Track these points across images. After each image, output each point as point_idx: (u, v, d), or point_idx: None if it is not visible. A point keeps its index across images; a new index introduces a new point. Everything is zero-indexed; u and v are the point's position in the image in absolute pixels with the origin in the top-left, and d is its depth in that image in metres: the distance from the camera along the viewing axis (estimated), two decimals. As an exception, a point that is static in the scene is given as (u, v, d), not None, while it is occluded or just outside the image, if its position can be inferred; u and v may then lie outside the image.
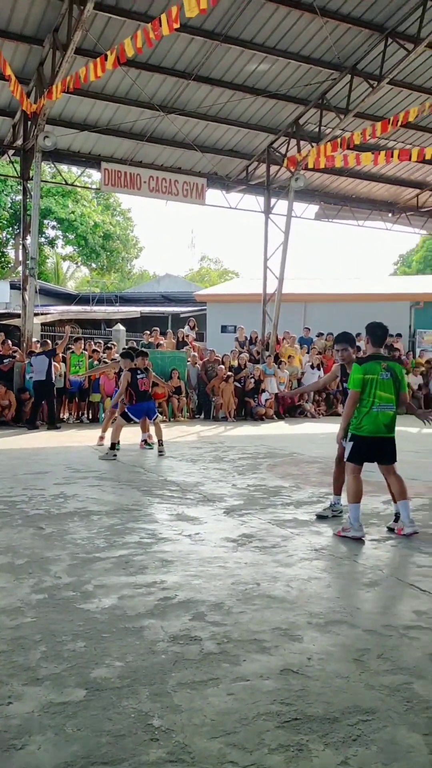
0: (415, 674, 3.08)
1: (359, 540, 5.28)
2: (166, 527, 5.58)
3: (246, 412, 15.71)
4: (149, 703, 2.77)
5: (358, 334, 10.59)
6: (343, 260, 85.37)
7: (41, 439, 11.41)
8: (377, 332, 5.54)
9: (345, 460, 5.60)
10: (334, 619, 3.72)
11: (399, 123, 12.71)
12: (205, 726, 2.61)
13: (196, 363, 15.78)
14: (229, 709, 2.74)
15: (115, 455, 8.99)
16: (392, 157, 13.70)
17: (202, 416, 15.40)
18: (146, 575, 4.35)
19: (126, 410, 9.29)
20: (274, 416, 15.61)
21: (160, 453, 9.35)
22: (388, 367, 5.42)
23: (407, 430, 13.94)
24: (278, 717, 2.69)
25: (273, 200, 17.50)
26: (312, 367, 16.71)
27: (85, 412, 14.15)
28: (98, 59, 9.07)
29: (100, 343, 16.22)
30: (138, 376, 9.29)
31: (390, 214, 21.25)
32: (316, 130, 15.72)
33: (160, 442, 9.49)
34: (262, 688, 2.92)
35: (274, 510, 6.32)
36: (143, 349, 10.46)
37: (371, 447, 5.47)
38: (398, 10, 13.08)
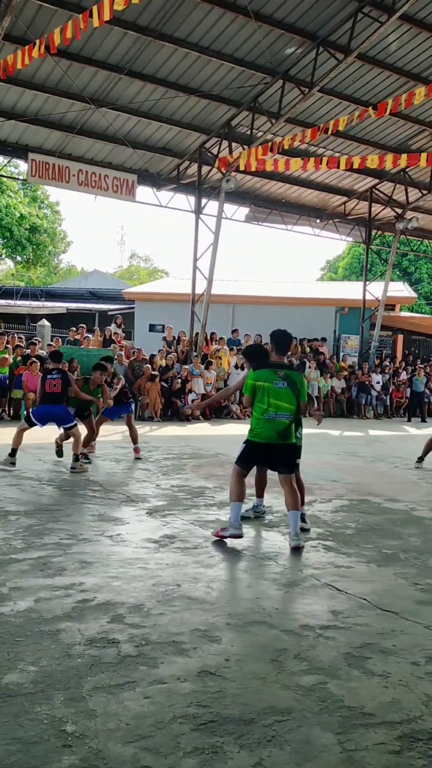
0: (330, 674, 3.13)
1: (238, 536, 5.23)
2: (86, 528, 5.48)
3: (172, 412, 15.67)
4: (63, 708, 2.70)
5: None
6: (272, 263, 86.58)
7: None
8: (280, 340, 5.53)
9: (235, 461, 5.51)
10: (252, 620, 3.74)
11: (329, 131, 12.95)
12: (119, 731, 2.57)
13: (122, 362, 15.61)
14: (145, 712, 2.70)
15: (13, 462, 7.89)
16: (321, 163, 13.96)
17: (128, 415, 15.23)
18: (64, 577, 4.25)
19: (31, 414, 8.37)
20: (200, 417, 15.63)
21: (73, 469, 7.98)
22: (285, 375, 5.35)
23: (329, 433, 14.28)
24: (194, 719, 2.67)
25: (204, 200, 17.53)
26: (236, 367, 16.83)
27: (6, 408, 13.76)
28: (26, 47, 8.82)
29: (22, 338, 15.80)
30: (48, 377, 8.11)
31: (318, 220, 21.68)
32: (248, 132, 15.85)
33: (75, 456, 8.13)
34: (179, 690, 2.90)
35: (197, 511, 6.32)
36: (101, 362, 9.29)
37: (263, 453, 5.44)
38: (330, 19, 13.34)
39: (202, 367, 16.43)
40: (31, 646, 3.24)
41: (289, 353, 5.60)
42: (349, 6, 13.01)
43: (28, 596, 3.88)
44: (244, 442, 5.50)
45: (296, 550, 5.10)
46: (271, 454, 5.44)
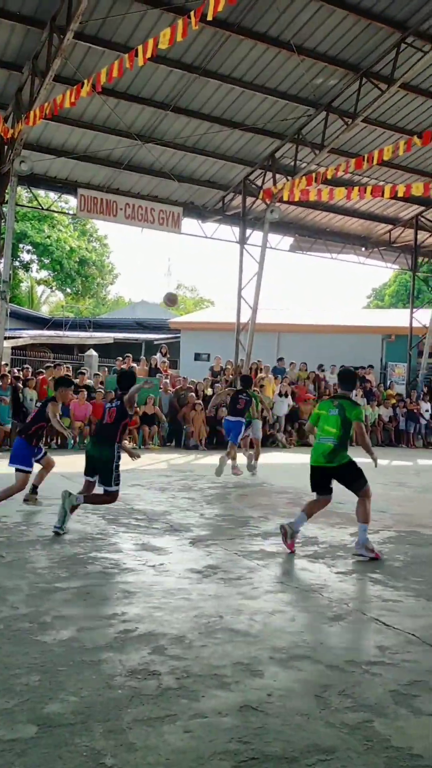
0: (376, 712, 3.03)
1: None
2: (130, 557, 5.48)
3: (218, 441, 15.64)
4: (103, 740, 2.67)
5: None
6: (317, 292, 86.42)
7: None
8: (343, 377, 6.35)
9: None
10: (296, 654, 3.66)
11: (373, 161, 12.98)
12: (159, 765, 2.53)
13: (168, 390, 15.72)
14: (185, 747, 2.66)
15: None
16: (365, 193, 13.96)
17: (173, 444, 15.29)
18: (107, 606, 4.25)
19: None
20: (246, 446, 15.55)
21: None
22: (338, 404, 5.92)
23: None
24: (235, 756, 2.61)
25: (248, 231, 17.68)
26: (280, 395, 16.74)
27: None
28: (75, 87, 9.14)
29: (69, 368, 16.08)
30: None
31: (363, 249, 21.59)
32: (292, 164, 15.99)
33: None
34: (220, 725, 2.85)
35: (241, 541, 6.26)
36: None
37: (313, 475, 5.98)
38: (373, 51, 13.45)
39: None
40: (72, 676, 3.24)
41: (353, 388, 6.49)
42: (391, 37, 13.11)
43: (71, 625, 3.89)
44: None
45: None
46: (319, 476, 5.93)
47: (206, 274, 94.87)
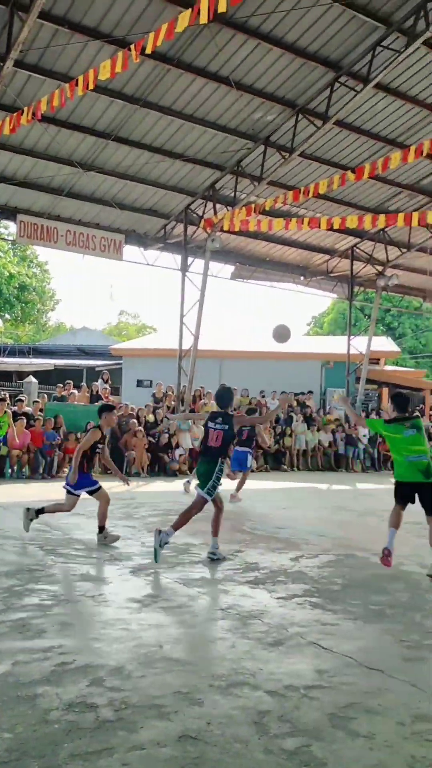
0: (314, 736, 3.06)
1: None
2: (68, 588, 5.39)
3: (159, 468, 15.58)
4: (38, 778, 2.61)
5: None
6: (260, 319, 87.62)
7: None
8: (397, 400, 6.74)
9: None
10: (236, 681, 3.67)
11: (310, 193, 13.36)
12: (96, 801, 2.48)
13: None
14: (123, 781, 2.62)
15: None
16: (303, 224, 14.34)
17: (114, 471, 15.09)
18: (44, 639, 4.16)
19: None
20: (188, 471, 15.54)
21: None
22: (411, 424, 6.43)
23: (317, 486, 14.22)
24: (173, 787, 2.59)
25: (190, 259, 17.88)
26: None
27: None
28: (14, 114, 9.14)
29: (5, 395, 15.77)
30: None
31: (302, 278, 22.11)
32: (232, 194, 16.31)
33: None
34: (158, 756, 2.83)
35: (182, 568, 6.24)
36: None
37: (402, 490, 6.55)
38: (309, 89, 13.93)
39: (189, 422, 16.43)
40: (6, 712, 3.16)
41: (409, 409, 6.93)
42: (326, 76, 13.62)
43: (6, 659, 3.79)
44: None
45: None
46: (410, 490, 6.49)
47: (149, 301, 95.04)
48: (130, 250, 17.86)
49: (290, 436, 18.35)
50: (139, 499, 11.11)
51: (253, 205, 14.15)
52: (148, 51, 7.74)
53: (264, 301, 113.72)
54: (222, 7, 6.66)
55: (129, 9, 11.27)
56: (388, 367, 28.06)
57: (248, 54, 12.81)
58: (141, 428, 15.20)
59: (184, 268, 17.86)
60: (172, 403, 17.64)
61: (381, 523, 9.71)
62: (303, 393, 21.35)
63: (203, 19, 9.47)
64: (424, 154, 11.80)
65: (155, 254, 18.40)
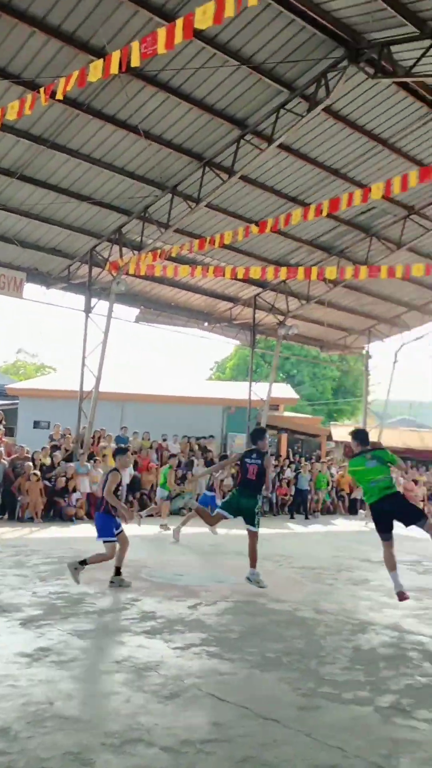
0: (208, 792, 2.99)
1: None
2: None
3: (55, 513, 15.07)
4: None
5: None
6: (164, 362, 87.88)
7: None
8: (359, 436, 7.35)
9: None
10: (130, 738, 3.55)
11: (215, 243, 13.71)
12: None
13: (2, 459, 14.99)
14: None
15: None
16: (208, 272, 14.67)
17: (6, 516, 14.47)
18: None
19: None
20: (85, 516, 15.13)
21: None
22: (372, 456, 7.03)
23: (218, 532, 14.21)
24: None
25: (94, 300, 17.75)
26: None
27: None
28: None
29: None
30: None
31: (206, 323, 22.45)
32: (139, 239, 16.44)
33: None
34: None
35: (76, 620, 6.00)
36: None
37: (380, 514, 7.00)
38: (215, 143, 14.41)
39: (88, 465, 16.08)
40: None
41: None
42: (232, 133, 14.16)
43: None
44: None
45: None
46: (388, 508, 6.97)
47: (49, 340, 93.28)
48: (32, 288, 17.55)
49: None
50: (32, 545, 10.68)
51: (159, 251, 14.33)
52: (59, 96, 7.78)
53: (170, 345, 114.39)
54: (135, 62, 6.81)
55: (39, 52, 11.32)
56: (287, 413, 28.79)
57: (158, 106, 13.13)
58: (36, 471, 14.71)
59: (88, 309, 17.71)
60: (71, 445, 17.22)
61: (278, 568, 9.83)
62: (205, 437, 21.46)
63: (114, 69, 9.70)
64: (323, 213, 12.46)
65: (58, 294, 18.16)
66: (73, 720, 3.73)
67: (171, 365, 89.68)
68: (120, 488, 7.68)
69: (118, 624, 5.89)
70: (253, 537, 7.86)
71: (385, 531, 6.94)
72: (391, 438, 28.88)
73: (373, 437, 26.10)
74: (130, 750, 3.40)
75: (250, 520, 7.81)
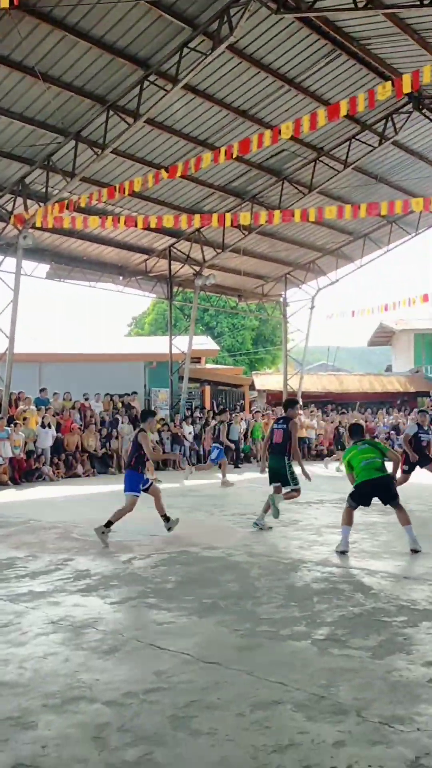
0: (155, 742, 2.96)
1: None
2: None
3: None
4: None
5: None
6: (80, 320, 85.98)
7: None
8: (354, 430, 7.75)
9: None
10: (71, 697, 3.47)
11: (125, 191, 13.23)
12: None
13: None
14: None
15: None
16: (119, 222, 14.19)
17: None
18: None
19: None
20: (9, 482, 14.74)
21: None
22: (363, 442, 7.42)
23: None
24: None
25: (0, 257, 16.96)
26: (43, 426, 16.18)
27: None
28: None
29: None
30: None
31: (120, 277, 21.95)
32: (44, 190, 15.68)
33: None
34: (-13, 796, 2.55)
35: (7, 584, 5.83)
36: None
37: (362, 489, 7.01)
38: (118, 85, 13.78)
39: (8, 429, 15.59)
40: None
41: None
42: (135, 74, 13.57)
43: None
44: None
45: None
46: (370, 488, 7.00)
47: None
48: None
49: (117, 438, 18.12)
50: None
51: (66, 202, 13.72)
52: None
53: (84, 302, 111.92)
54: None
55: None
56: (209, 365, 28.84)
57: (54, 45, 12.38)
58: None
59: (-5, 266, 16.91)
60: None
61: (209, 517, 9.90)
62: (127, 394, 21.21)
63: (4, 3, 9.00)
64: (234, 155, 12.22)
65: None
66: (10, 685, 3.61)
67: (87, 323, 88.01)
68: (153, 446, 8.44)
69: (52, 585, 5.75)
70: (293, 495, 8.46)
71: (359, 504, 7.07)
72: (311, 383, 29.57)
73: (293, 383, 26.60)
74: (72, 708, 3.33)
75: (284, 480, 8.31)
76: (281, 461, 8.33)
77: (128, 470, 8.06)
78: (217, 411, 17.57)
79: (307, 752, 2.85)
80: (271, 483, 8.48)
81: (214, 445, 14.53)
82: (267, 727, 3.09)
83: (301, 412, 21.00)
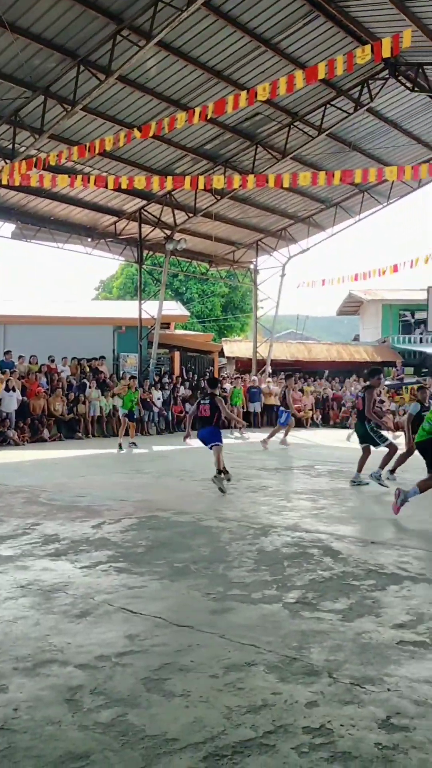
0: (129, 704, 2.96)
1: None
2: None
3: None
4: None
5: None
6: (46, 282, 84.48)
7: None
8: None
9: None
10: (43, 660, 3.45)
11: (95, 150, 12.88)
12: None
13: None
14: None
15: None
16: (89, 182, 13.85)
17: None
18: None
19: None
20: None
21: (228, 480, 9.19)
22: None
23: (113, 452, 14.12)
24: (-21, 790, 2.33)
25: (-35, 216, 16.48)
26: (7, 389, 15.94)
27: None
28: None
29: None
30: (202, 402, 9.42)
31: (89, 239, 21.53)
32: (10, 146, 15.19)
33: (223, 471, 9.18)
34: (-41, 759, 2.53)
35: (-25, 548, 5.76)
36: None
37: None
38: (89, 39, 13.31)
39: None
40: None
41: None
42: (107, 28, 13.11)
43: None
44: None
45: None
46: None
47: None
48: None
49: (84, 403, 17.98)
50: None
51: (34, 159, 13.30)
52: None
53: (50, 264, 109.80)
54: None
55: None
56: (179, 331, 28.65)
57: (23, -7, 11.87)
58: None
59: (-41, 225, 16.42)
60: None
61: (179, 482, 9.93)
62: (95, 358, 21.00)
63: None
64: (208, 117, 11.96)
65: None
66: (-20, 649, 3.58)
67: (55, 285, 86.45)
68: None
69: (20, 549, 5.70)
70: (391, 452, 9.13)
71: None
72: (280, 351, 29.63)
73: (263, 351, 26.64)
74: (43, 671, 3.31)
75: (372, 441, 9.20)
76: (363, 426, 9.29)
77: (213, 427, 9.17)
78: (284, 376, 18.90)
79: (280, 712, 2.89)
80: (361, 444, 9.49)
81: (281, 409, 15.34)
82: (240, 689, 3.11)
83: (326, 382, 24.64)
